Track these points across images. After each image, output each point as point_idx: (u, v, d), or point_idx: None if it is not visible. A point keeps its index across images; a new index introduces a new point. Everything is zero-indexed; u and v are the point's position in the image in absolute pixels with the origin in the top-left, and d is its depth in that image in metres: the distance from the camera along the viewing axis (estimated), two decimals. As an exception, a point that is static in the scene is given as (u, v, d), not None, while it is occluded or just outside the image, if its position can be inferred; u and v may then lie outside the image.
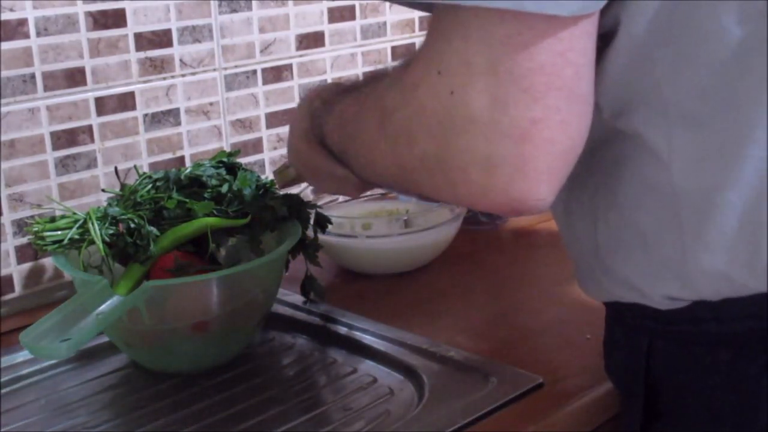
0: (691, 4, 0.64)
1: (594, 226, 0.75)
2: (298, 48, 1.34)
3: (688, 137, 0.67)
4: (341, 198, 1.25)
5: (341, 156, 0.83)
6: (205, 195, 1.00)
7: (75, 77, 1.12)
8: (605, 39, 0.66)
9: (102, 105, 1.15)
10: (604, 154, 0.72)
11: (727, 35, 0.64)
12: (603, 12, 0.63)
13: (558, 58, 0.61)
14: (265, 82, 1.31)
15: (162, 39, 1.19)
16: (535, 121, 0.61)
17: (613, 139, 0.71)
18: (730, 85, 0.65)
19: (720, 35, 0.64)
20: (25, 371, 0.99)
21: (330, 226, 1.10)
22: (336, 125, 0.83)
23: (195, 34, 1.22)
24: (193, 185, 1.01)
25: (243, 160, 1.18)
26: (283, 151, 1.34)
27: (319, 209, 1.08)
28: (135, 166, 1.11)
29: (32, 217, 1.07)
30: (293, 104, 1.35)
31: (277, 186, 1.04)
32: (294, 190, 1.05)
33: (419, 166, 0.67)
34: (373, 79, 0.78)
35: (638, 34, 0.65)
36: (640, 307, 0.75)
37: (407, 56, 0.70)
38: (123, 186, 1.03)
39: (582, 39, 0.62)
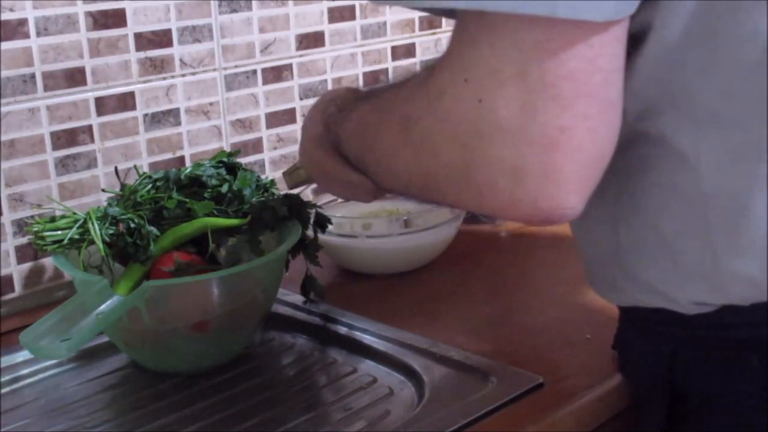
0: (726, 5, 0.63)
1: (615, 231, 0.74)
2: (298, 48, 1.34)
3: (718, 139, 0.66)
4: (341, 198, 1.25)
5: (359, 163, 0.82)
6: (205, 195, 1.00)
7: (75, 77, 1.12)
8: (633, 42, 0.65)
9: (102, 105, 1.15)
10: (626, 158, 0.70)
11: (761, 36, 0.63)
12: (632, 15, 0.62)
13: (588, 65, 0.60)
14: (265, 82, 1.31)
15: (162, 39, 1.19)
16: (564, 129, 0.60)
17: (636, 142, 0.70)
18: (762, 86, 0.64)
19: (753, 36, 0.63)
20: (25, 371, 0.99)
21: (330, 226, 1.10)
22: (354, 132, 0.81)
23: (195, 34, 1.22)
24: (193, 185, 1.01)
25: (243, 160, 1.18)
26: (284, 151, 1.34)
27: (319, 209, 1.07)
28: (135, 166, 1.11)
29: (32, 217, 1.07)
30: (293, 104, 1.35)
31: (287, 187, 1.04)
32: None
33: (444, 175, 0.66)
34: (393, 86, 0.77)
35: (671, 36, 0.64)
36: (664, 312, 0.74)
37: (430, 63, 0.69)
38: (123, 186, 1.04)
39: (612, 44, 0.61)
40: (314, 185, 1.12)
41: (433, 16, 1.50)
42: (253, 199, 1.01)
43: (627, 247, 0.74)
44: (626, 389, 0.88)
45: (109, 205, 0.99)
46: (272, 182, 1.06)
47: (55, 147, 1.12)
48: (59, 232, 0.95)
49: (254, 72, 1.30)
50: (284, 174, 1.04)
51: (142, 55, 1.17)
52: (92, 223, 0.94)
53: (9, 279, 1.11)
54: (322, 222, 1.08)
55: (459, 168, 0.64)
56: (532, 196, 0.62)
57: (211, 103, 1.25)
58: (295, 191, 1.05)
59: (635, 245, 0.73)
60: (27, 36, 1.07)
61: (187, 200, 0.98)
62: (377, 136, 0.75)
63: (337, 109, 0.86)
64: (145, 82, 1.19)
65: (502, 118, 0.61)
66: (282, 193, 1.05)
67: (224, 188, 1.00)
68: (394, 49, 1.46)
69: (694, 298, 0.72)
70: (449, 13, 0.68)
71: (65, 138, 1.12)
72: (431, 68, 0.67)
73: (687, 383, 0.76)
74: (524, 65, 0.60)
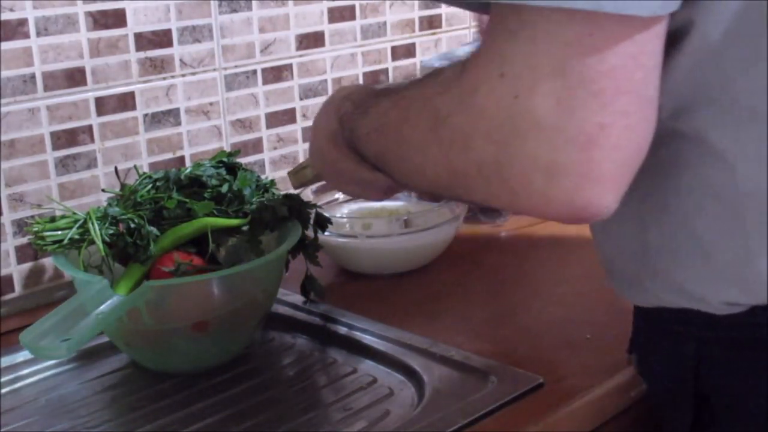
0: None
1: (643, 231, 0.73)
2: (298, 48, 1.34)
3: (758, 137, 0.65)
4: (341, 198, 1.25)
5: (377, 161, 0.80)
6: (205, 195, 1.00)
7: (75, 77, 1.12)
8: (672, 39, 0.64)
9: (102, 105, 1.15)
10: (657, 156, 0.68)
11: None
12: (673, 13, 0.61)
13: (629, 61, 0.59)
14: (265, 82, 1.31)
15: (162, 39, 1.19)
16: (603, 127, 0.59)
17: (669, 140, 0.68)
18: None
19: None
20: (25, 371, 0.99)
21: (330, 226, 1.10)
22: (373, 129, 0.79)
23: (195, 34, 1.22)
24: (193, 185, 1.01)
25: (243, 160, 1.18)
26: (284, 151, 1.34)
27: (319, 209, 1.07)
28: (135, 166, 1.11)
29: (32, 217, 1.07)
30: (293, 104, 1.35)
31: (292, 187, 1.04)
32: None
33: (475, 173, 0.64)
34: (416, 82, 0.75)
35: (712, 35, 0.63)
36: (689, 312, 0.73)
37: (462, 60, 0.67)
38: (123, 186, 1.04)
39: (653, 41, 0.60)
40: (317, 185, 1.12)
41: (432, 16, 1.50)
42: (253, 199, 1.01)
43: (656, 246, 0.72)
44: (626, 389, 0.88)
45: (109, 205, 0.99)
46: (272, 182, 1.06)
47: (55, 147, 1.12)
48: (59, 232, 0.95)
49: (254, 72, 1.30)
50: (289, 173, 1.04)
51: (142, 55, 1.17)
52: (92, 223, 0.94)
53: (9, 279, 1.11)
54: (322, 222, 1.08)
55: (491, 165, 0.63)
56: (567, 194, 0.61)
57: (211, 103, 1.25)
58: (298, 191, 1.05)
59: (665, 245, 0.72)
60: (27, 36, 1.07)
61: (187, 200, 0.98)
62: (401, 133, 0.73)
63: (352, 105, 0.84)
64: (145, 82, 1.19)
65: (539, 115, 0.59)
66: (282, 193, 1.05)
67: (224, 188, 1.00)
68: (394, 49, 1.46)
69: (727, 298, 0.70)
70: (481, 7, 0.66)
71: (65, 138, 1.12)
72: (463, 64, 0.66)
73: (713, 384, 0.75)
74: (564, 60, 0.59)
